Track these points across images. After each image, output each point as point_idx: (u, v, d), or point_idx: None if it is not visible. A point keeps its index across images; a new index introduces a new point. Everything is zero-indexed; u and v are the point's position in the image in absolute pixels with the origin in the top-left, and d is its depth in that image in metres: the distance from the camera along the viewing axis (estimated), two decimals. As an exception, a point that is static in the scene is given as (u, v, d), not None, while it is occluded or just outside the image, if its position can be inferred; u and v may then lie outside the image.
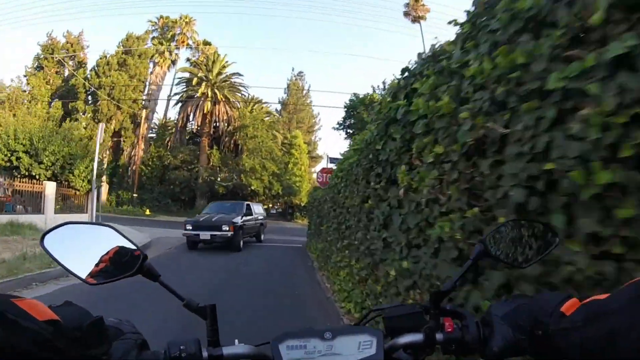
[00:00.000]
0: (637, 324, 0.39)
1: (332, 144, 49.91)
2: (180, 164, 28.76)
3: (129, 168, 30.46)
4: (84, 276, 0.59)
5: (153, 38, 33.63)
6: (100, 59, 29.30)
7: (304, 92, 40.61)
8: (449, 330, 0.60)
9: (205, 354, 0.55)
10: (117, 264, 0.62)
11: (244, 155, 26.78)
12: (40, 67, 28.67)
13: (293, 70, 40.64)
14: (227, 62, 31.11)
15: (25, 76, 27.77)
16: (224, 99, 29.32)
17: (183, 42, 34.78)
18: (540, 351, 0.52)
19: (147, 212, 26.73)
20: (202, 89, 28.41)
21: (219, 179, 26.65)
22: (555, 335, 0.48)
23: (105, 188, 29.72)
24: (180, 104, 31.00)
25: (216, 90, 28.79)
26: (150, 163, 29.77)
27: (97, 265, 0.61)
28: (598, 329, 0.42)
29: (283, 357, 0.55)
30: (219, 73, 30.08)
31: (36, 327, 0.40)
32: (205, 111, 28.40)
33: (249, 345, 0.60)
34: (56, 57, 28.38)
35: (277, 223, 28.65)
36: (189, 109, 29.10)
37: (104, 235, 0.63)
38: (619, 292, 0.44)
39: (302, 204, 31.48)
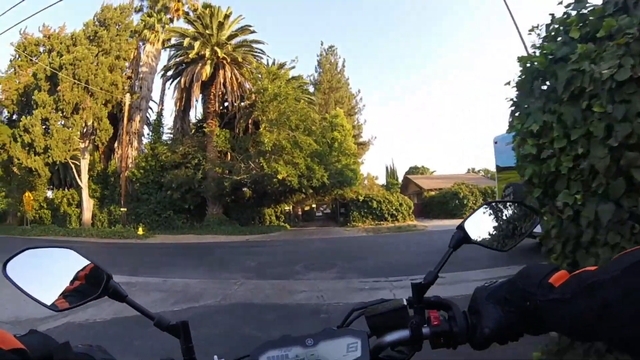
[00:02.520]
0: (631, 295, 0.38)
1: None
2: (181, 160, 20.19)
3: (120, 175, 22.53)
4: (48, 302, 0.56)
5: (143, 14, 26.10)
6: (64, 36, 22.16)
7: (338, 67, 32.64)
8: (436, 323, 0.56)
9: None
10: (83, 286, 0.58)
11: (261, 129, 16.77)
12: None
13: (322, 44, 33.75)
14: (230, 13, 22.26)
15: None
16: (229, 61, 20.44)
17: (177, 10, 26.72)
18: (530, 324, 0.50)
19: (141, 231, 18.56)
20: (197, 48, 19.64)
21: (241, 172, 16.79)
22: (543, 307, 0.46)
23: (89, 204, 22.13)
24: (175, 81, 22.60)
25: (217, 49, 19.92)
26: (144, 165, 21.66)
27: (71, 283, 0.57)
28: (591, 300, 0.41)
29: None
30: (220, 26, 21.19)
31: (2, 357, 0.39)
32: (204, 78, 19.61)
33: None
34: (33, 57, 21.89)
35: (326, 232, 18.83)
36: (183, 80, 20.44)
37: (65, 258, 0.60)
38: (610, 263, 0.42)
39: (360, 199, 21.69)
